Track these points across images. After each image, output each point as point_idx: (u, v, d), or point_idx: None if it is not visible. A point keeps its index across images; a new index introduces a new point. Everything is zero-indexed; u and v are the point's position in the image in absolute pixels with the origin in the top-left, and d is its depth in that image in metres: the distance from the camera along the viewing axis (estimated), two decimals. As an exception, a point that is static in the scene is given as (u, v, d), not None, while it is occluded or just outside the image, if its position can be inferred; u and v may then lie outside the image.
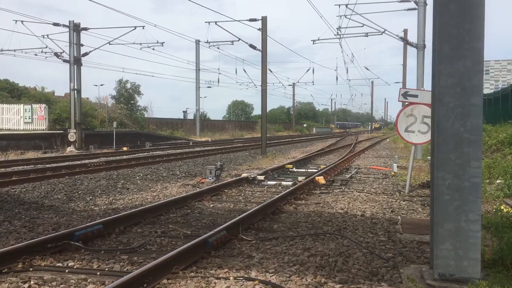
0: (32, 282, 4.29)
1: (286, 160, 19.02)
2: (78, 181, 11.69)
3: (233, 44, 28.61)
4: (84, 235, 5.71)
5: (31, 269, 4.69)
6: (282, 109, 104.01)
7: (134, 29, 26.10)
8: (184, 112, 64.79)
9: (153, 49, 28.99)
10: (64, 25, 25.84)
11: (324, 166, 15.12)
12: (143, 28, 26.09)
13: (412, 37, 25.84)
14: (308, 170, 14.83)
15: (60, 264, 4.90)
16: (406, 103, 10.02)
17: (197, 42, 45.21)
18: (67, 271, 4.65)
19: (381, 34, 22.80)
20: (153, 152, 23.68)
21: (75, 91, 26.57)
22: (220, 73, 45.79)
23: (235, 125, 65.87)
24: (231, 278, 4.37)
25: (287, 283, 4.28)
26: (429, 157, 9.33)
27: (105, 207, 8.65)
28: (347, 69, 56.28)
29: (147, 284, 4.13)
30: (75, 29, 26.24)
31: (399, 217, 7.34)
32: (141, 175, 13.41)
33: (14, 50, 27.48)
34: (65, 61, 26.61)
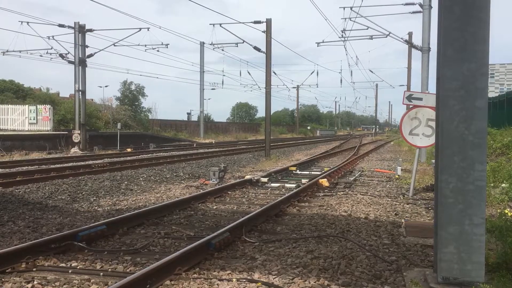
0: (35, 282, 4.30)
1: (289, 162, 19.00)
2: (82, 182, 11.72)
3: (237, 46, 28.59)
4: (87, 236, 5.73)
5: (34, 269, 4.70)
6: (286, 112, 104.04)
7: (139, 31, 26.18)
8: (188, 113, 65.05)
9: (158, 50, 28.99)
10: (69, 27, 25.96)
11: (328, 168, 15.10)
12: (147, 29, 26.19)
13: (417, 40, 25.80)
14: (312, 172, 14.81)
15: (63, 265, 4.91)
16: (411, 106, 10.00)
17: (202, 44, 45.36)
18: (70, 271, 4.67)
19: (386, 37, 22.79)
20: (157, 154, 23.72)
21: (80, 92, 26.67)
22: (224, 75, 45.84)
23: (239, 127, 65.94)
24: (234, 279, 4.37)
25: (290, 285, 4.27)
26: (433, 160, 9.30)
27: (108, 208, 8.67)
28: (351, 71, 56.55)
29: (150, 285, 4.14)
30: (80, 30, 26.35)
31: (402, 220, 7.31)
32: (145, 176, 13.44)
33: (20, 51, 27.59)
34: (70, 62, 26.71)
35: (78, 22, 26.27)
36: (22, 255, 4.82)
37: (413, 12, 22.66)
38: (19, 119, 30.49)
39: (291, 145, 37.12)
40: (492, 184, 9.86)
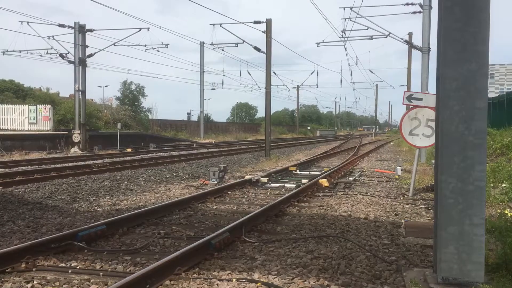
0: (35, 282, 4.30)
1: (289, 162, 19.00)
2: (82, 182, 11.72)
3: (237, 46, 28.56)
4: (87, 236, 5.73)
5: (34, 269, 4.70)
6: (286, 112, 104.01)
7: (139, 31, 26.16)
8: (188, 114, 65.04)
9: (158, 50, 28.95)
10: (69, 27, 25.95)
11: (328, 168, 15.10)
12: (148, 29, 26.17)
13: (417, 40, 25.75)
14: (312, 172, 14.81)
15: (63, 264, 4.91)
16: (411, 106, 10.00)
17: (202, 44, 45.33)
18: (70, 271, 4.67)
19: (386, 37, 22.79)
20: (157, 154, 23.71)
21: (80, 92, 26.67)
22: (224, 75, 45.87)
23: (239, 127, 65.91)
24: (234, 279, 4.37)
25: (289, 285, 4.27)
26: (433, 161, 9.30)
27: (108, 208, 8.67)
28: (351, 72, 56.40)
29: (149, 285, 4.14)
30: (81, 30, 26.35)
31: (402, 221, 7.31)
32: (145, 176, 13.44)
33: (20, 51, 27.55)
34: (70, 62, 26.70)
35: (78, 22, 26.29)
36: (22, 255, 4.82)
37: (413, 12, 22.67)
38: (19, 119, 30.49)
39: (291, 145, 37.11)
40: (492, 185, 9.86)
